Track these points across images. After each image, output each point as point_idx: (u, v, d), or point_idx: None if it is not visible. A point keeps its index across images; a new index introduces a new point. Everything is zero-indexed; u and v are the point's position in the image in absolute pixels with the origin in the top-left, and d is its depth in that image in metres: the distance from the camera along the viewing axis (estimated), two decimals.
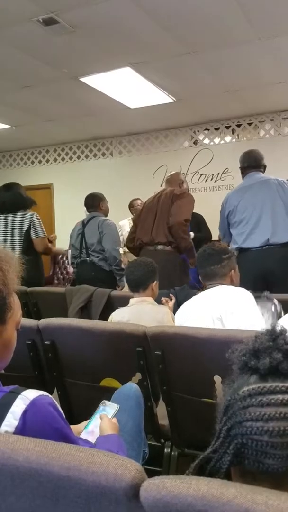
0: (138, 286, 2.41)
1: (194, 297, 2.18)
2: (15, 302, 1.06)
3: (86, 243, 4.00)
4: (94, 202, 4.18)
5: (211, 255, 2.19)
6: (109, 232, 3.95)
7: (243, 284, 3.29)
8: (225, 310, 1.96)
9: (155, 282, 2.47)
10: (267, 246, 3.26)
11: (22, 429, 0.90)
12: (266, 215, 3.28)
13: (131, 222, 5.47)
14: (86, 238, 4.00)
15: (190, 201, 3.72)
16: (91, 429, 1.27)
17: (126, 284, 3.74)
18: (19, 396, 0.92)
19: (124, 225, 5.54)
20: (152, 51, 4.08)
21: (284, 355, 0.76)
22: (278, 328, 0.82)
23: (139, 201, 5.56)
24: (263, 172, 3.54)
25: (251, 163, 3.53)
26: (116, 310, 2.43)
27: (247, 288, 2.13)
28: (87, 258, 3.98)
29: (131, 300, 2.42)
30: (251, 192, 3.38)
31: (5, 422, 0.90)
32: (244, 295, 2.04)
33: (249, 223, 3.31)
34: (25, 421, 0.90)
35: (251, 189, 3.40)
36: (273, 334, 0.80)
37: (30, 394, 0.93)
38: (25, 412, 0.91)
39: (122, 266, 3.96)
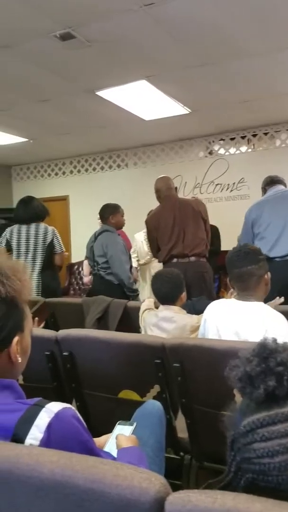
0: (167, 301, 2.45)
1: (227, 303, 2.07)
2: (28, 310, 1.12)
3: (95, 258, 4.01)
4: (105, 214, 4.12)
5: (248, 253, 2.04)
6: (114, 255, 3.86)
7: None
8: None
9: (184, 293, 2.49)
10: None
11: (47, 442, 0.90)
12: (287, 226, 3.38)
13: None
14: (95, 253, 4.00)
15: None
16: (109, 449, 1.25)
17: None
18: (43, 409, 0.93)
19: (139, 237, 5.54)
20: (167, 64, 4.12)
21: (277, 379, 0.74)
22: (269, 343, 0.80)
23: None
24: (285, 186, 3.69)
25: (268, 180, 3.71)
26: (147, 311, 2.51)
27: (272, 296, 2.03)
28: (98, 272, 3.99)
29: (160, 307, 2.48)
30: (274, 204, 3.50)
31: (30, 435, 0.91)
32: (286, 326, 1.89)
33: (274, 233, 3.39)
34: (50, 434, 0.90)
35: (274, 200, 3.53)
36: (262, 354, 0.78)
37: (54, 407, 0.94)
38: (49, 425, 0.91)
39: (134, 286, 3.96)
